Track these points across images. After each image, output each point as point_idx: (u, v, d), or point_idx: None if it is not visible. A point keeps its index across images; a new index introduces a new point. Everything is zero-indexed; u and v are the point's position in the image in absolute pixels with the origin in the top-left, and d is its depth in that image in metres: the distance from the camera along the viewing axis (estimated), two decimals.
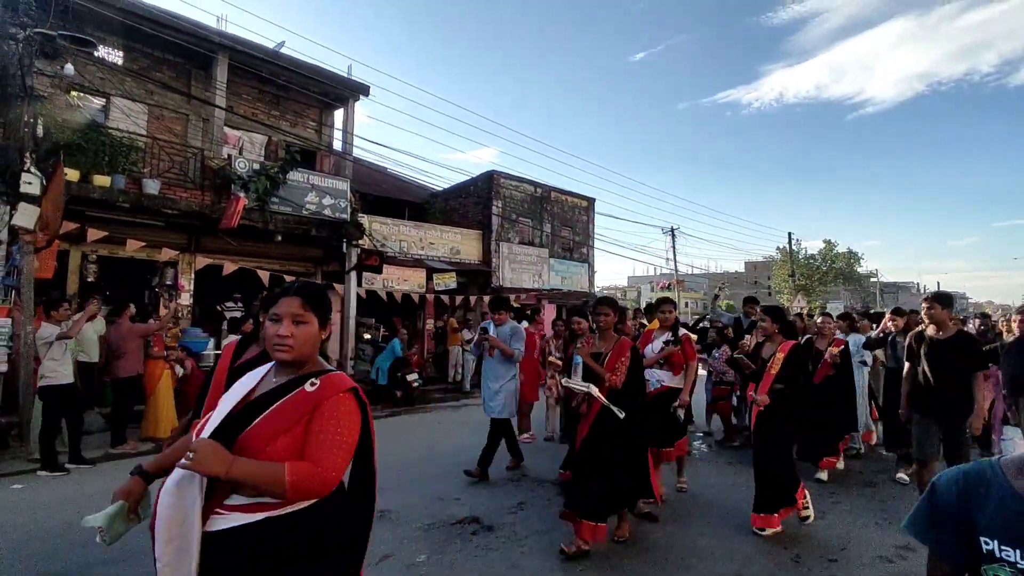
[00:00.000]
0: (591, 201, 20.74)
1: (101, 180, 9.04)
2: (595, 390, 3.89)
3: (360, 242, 12.82)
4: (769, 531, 4.23)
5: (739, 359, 4.78)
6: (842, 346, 6.18)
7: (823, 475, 5.76)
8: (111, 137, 9.57)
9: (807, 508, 4.39)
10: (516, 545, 4.09)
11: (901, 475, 5.81)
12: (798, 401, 4.45)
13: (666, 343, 5.10)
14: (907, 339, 4.88)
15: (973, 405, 4.34)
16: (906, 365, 4.78)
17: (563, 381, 4.14)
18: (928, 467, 4.42)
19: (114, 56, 10.74)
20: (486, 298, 15.67)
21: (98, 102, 10.61)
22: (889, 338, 6.41)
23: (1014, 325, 4.66)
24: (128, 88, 10.74)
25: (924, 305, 4.71)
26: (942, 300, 4.62)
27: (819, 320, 6.76)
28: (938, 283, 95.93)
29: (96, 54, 10.07)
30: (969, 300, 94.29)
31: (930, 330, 4.60)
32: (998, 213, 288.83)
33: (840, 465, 6.04)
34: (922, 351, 4.57)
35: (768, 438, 4.37)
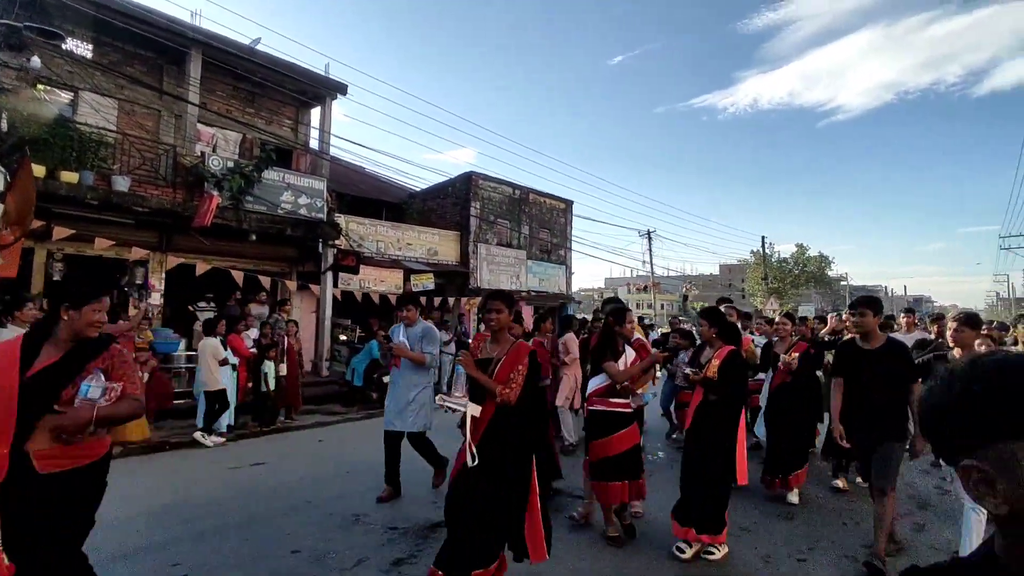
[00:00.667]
0: (569, 203, 20.86)
1: (68, 176, 8.81)
2: (475, 409, 3.17)
3: (336, 242, 12.70)
4: (689, 551, 3.88)
5: (689, 374, 4.26)
6: (802, 351, 5.53)
7: (794, 496, 5.19)
8: (79, 132, 9.35)
9: (720, 549, 3.91)
10: None
11: (836, 483, 5.64)
12: (734, 409, 4.06)
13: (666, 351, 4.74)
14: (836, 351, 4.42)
15: (907, 422, 3.92)
16: (833, 381, 4.27)
17: (438, 398, 3.37)
18: (887, 497, 3.83)
19: (83, 49, 10.49)
20: (464, 299, 15.67)
21: (66, 96, 10.34)
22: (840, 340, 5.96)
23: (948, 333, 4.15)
24: (97, 82, 10.49)
25: (853, 312, 4.13)
26: (873, 306, 4.04)
27: (776, 321, 6.23)
28: (905, 287, 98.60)
29: (64, 47, 9.82)
30: (935, 304, 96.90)
31: (859, 340, 4.14)
32: (963, 219, 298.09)
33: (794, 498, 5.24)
34: (855, 364, 4.08)
35: (696, 450, 4.07)
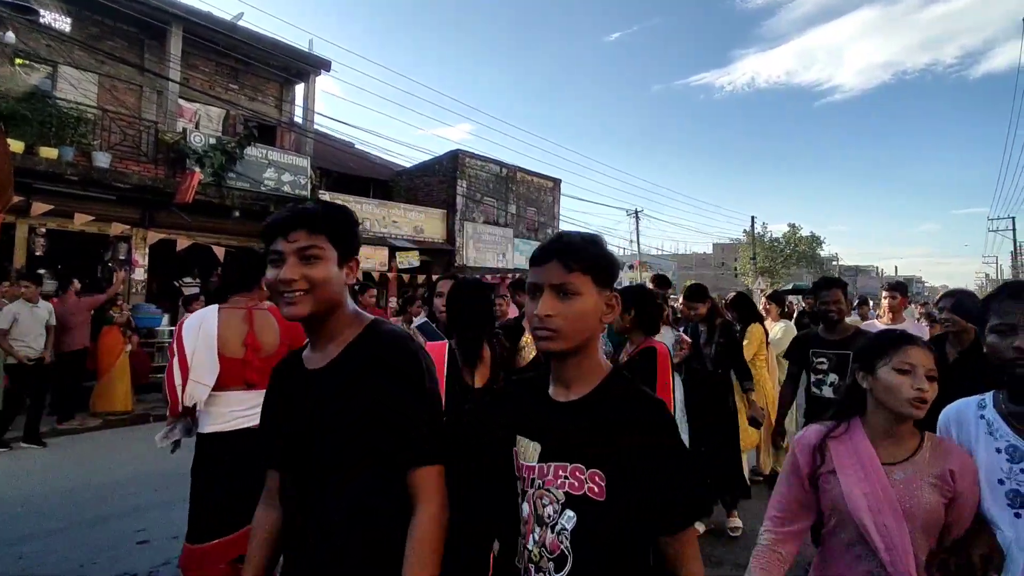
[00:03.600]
0: (557, 182, 20.91)
1: (48, 152, 8.86)
2: None
3: None
4: None
5: None
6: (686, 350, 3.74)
7: None
8: (58, 108, 9.36)
9: None
10: None
11: (733, 521, 3.94)
12: None
13: None
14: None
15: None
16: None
17: None
18: None
19: (61, 23, 10.43)
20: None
21: (44, 71, 10.32)
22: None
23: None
24: (76, 57, 10.45)
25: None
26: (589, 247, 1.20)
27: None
28: (896, 268, 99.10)
29: (42, 21, 9.78)
30: (925, 284, 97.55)
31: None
32: (956, 201, 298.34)
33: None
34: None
35: None
